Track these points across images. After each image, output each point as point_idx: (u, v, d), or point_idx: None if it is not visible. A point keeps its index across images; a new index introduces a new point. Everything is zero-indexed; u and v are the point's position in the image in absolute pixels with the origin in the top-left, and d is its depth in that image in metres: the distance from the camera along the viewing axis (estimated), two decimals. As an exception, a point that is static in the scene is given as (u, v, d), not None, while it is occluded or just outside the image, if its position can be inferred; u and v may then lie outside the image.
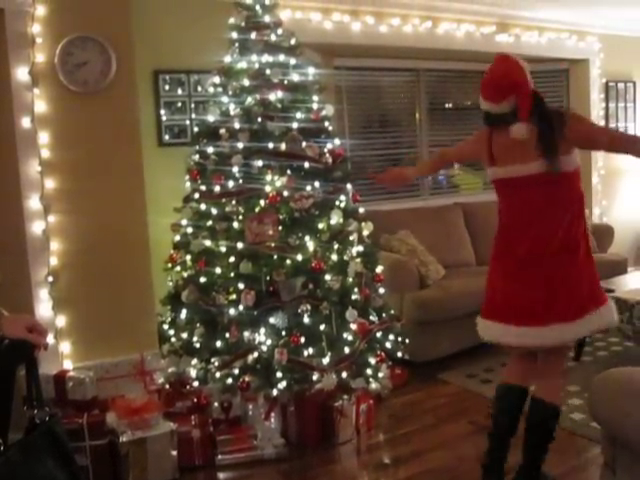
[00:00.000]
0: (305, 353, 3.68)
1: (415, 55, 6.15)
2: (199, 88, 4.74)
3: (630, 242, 7.60)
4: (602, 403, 2.28)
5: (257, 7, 4.05)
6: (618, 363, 2.41)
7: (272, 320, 3.69)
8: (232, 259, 3.76)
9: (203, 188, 3.93)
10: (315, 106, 4.07)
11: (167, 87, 4.69)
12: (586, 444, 3.60)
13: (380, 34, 5.58)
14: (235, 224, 3.81)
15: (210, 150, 3.95)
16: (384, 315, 4.12)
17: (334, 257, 3.88)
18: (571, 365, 4.89)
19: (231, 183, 3.83)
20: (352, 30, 5.43)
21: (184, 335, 3.91)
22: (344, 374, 3.77)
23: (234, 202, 3.85)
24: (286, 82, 4.00)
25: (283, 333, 3.69)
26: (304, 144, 3.90)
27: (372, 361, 3.94)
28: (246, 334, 3.67)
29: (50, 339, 3.77)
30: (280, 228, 3.79)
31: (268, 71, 3.97)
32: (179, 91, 4.73)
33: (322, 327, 3.73)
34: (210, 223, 3.88)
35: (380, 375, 4.02)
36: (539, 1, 5.85)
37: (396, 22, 5.65)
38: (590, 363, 4.89)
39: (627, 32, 7.25)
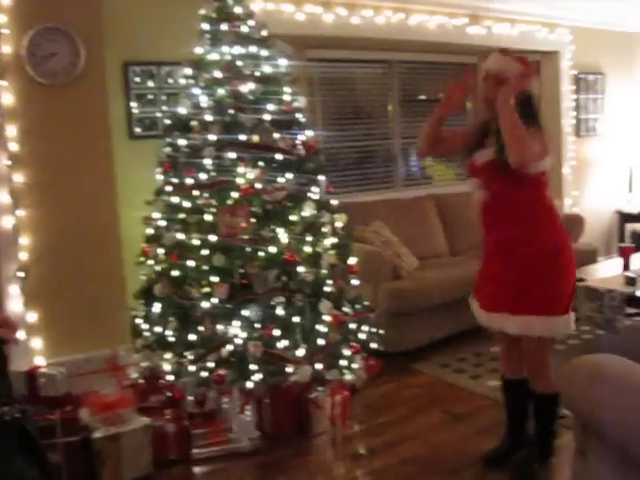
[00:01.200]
0: (279, 345, 3.67)
1: (388, 47, 6.14)
2: (170, 80, 4.71)
3: (600, 232, 7.69)
4: (571, 389, 2.30)
5: (228, -2, 4.03)
6: (589, 351, 2.42)
7: (246, 313, 3.67)
8: (205, 252, 3.74)
9: (175, 181, 3.90)
10: (287, 98, 4.05)
11: (138, 79, 4.64)
12: (559, 430, 3.63)
13: (352, 25, 5.56)
14: (208, 217, 3.78)
15: (182, 142, 3.91)
16: (358, 306, 4.13)
17: (307, 249, 3.86)
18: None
19: (203, 175, 3.81)
20: (324, 21, 5.41)
21: (157, 329, 3.87)
22: (318, 366, 3.77)
23: (206, 195, 3.82)
24: (258, 74, 3.97)
25: (257, 326, 3.68)
26: (276, 136, 3.88)
27: (346, 352, 3.94)
28: (220, 327, 3.66)
29: (21, 335, 3.74)
30: (253, 220, 3.77)
31: (240, 63, 3.94)
32: (150, 83, 4.69)
33: (296, 319, 3.72)
34: (182, 216, 3.85)
35: (354, 366, 4.02)
36: (510, -7, 5.89)
37: (368, 13, 5.64)
38: (562, 352, 4.91)
39: (597, 25, 7.31)
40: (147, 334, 3.96)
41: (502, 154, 2.96)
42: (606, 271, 5.17)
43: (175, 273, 3.79)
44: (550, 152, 3.08)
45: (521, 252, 3.06)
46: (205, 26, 4.05)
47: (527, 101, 3.08)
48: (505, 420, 3.41)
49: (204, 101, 3.93)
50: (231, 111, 3.85)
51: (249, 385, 3.63)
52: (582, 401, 2.24)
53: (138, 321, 4.06)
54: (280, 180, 3.82)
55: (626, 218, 7.69)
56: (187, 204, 3.83)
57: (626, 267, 5.07)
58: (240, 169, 3.78)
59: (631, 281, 4.58)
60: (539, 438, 3.30)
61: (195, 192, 3.83)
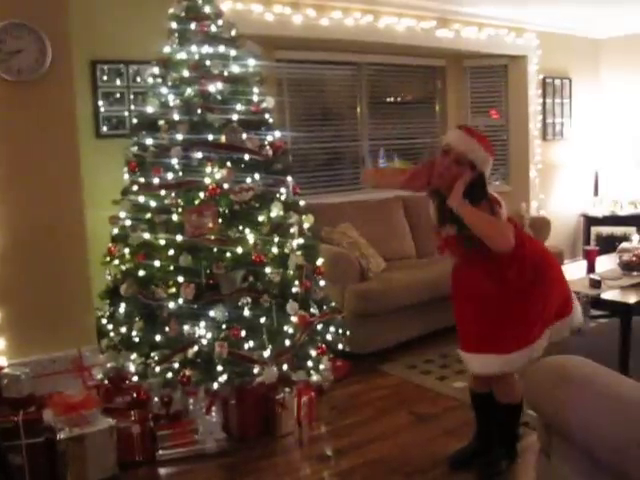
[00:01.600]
0: (246, 346, 3.67)
1: (356, 48, 6.16)
2: (138, 79, 4.67)
3: (566, 235, 7.79)
4: (536, 391, 2.32)
5: (197, -3, 4.01)
6: (555, 352, 2.45)
7: (212, 313, 3.66)
8: (171, 252, 3.72)
9: (142, 180, 3.87)
10: (255, 98, 4.05)
11: (105, 77, 4.61)
12: (524, 431, 3.66)
13: (321, 27, 5.57)
14: (174, 217, 3.77)
15: (149, 142, 3.89)
16: (325, 307, 4.13)
17: (274, 250, 3.86)
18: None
19: (170, 175, 3.78)
20: (293, 22, 5.41)
21: (123, 329, 3.85)
22: (285, 367, 3.77)
23: (173, 194, 3.80)
24: (226, 74, 3.96)
25: (223, 326, 3.66)
26: (244, 136, 3.87)
27: (313, 353, 3.95)
28: (186, 328, 3.64)
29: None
30: (220, 221, 3.76)
31: (208, 62, 3.92)
32: (117, 82, 4.65)
33: (263, 320, 3.71)
34: (149, 216, 3.82)
35: (321, 367, 4.02)
36: (478, -3, 5.94)
37: (337, 15, 5.65)
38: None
39: (564, 30, 7.42)
40: (112, 334, 3.93)
41: (462, 231, 3.03)
42: (571, 273, 5.22)
43: (141, 273, 3.77)
44: (503, 211, 3.10)
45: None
46: (174, 25, 4.03)
47: (479, 180, 3.06)
48: (475, 423, 3.47)
49: (172, 100, 3.92)
50: (199, 111, 3.84)
51: (215, 386, 3.62)
52: (546, 402, 2.26)
53: (103, 321, 4.03)
54: (248, 180, 3.82)
55: (591, 221, 7.79)
56: (154, 204, 3.81)
57: (591, 270, 5.13)
58: (207, 169, 3.76)
59: (596, 284, 4.63)
60: (503, 442, 3.36)
61: (162, 192, 3.80)
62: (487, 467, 3.31)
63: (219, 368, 3.60)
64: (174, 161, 3.77)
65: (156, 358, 3.68)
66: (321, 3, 5.56)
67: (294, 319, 3.82)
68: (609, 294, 4.58)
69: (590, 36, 7.82)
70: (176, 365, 3.64)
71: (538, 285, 3.09)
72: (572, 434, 2.12)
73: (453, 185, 3.01)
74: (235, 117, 3.88)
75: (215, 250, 3.71)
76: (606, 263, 5.29)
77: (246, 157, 3.88)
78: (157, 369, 3.66)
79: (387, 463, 3.47)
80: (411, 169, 3.39)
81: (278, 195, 3.97)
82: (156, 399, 3.72)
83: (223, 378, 3.61)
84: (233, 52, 4.04)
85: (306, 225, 4.15)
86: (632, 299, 4.48)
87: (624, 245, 5.28)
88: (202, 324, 3.65)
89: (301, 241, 4.05)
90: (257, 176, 3.87)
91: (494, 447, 3.36)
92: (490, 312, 3.10)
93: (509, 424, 3.35)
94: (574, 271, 5.30)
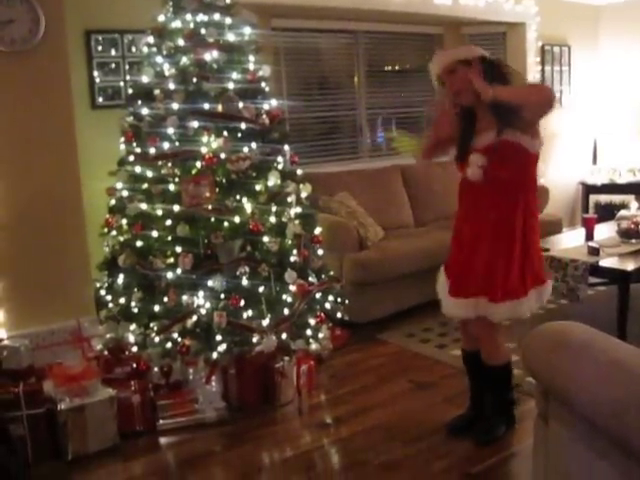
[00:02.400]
0: (244, 315, 3.68)
1: (353, 16, 6.08)
2: (133, 48, 4.63)
3: (565, 203, 7.78)
4: (534, 356, 2.32)
5: (191, -36, 3.96)
6: (553, 320, 2.45)
7: (210, 283, 3.66)
8: (169, 222, 3.71)
9: (138, 151, 3.86)
10: (252, 67, 4.02)
11: (100, 47, 4.57)
12: (523, 398, 3.68)
13: (317, -5, 5.50)
14: (171, 187, 3.75)
15: (145, 112, 3.87)
16: (323, 276, 4.13)
17: (272, 219, 3.85)
18: (507, 323, 4.99)
19: (167, 145, 3.76)
20: (289, -10, 5.34)
21: (122, 300, 3.85)
22: (284, 336, 3.78)
23: (170, 164, 3.79)
24: (222, 42, 3.92)
25: (222, 296, 3.67)
26: (240, 105, 3.84)
27: (312, 322, 3.96)
28: (184, 298, 3.64)
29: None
30: (217, 190, 3.74)
31: (203, 31, 3.88)
32: (112, 52, 4.61)
33: (261, 289, 3.72)
34: (146, 186, 3.81)
35: (320, 336, 4.04)
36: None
37: (334, -17, 5.58)
38: (526, 320, 4.97)
39: (563, -4, 7.35)
40: (111, 305, 3.93)
41: (503, 133, 2.97)
42: (570, 241, 5.23)
43: (139, 244, 3.76)
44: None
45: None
46: (167, -7, 3.99)
47: (488, 64, 3.06)
48: (469, 389, 3.49)
49: (167, 70, 3.88)
50: (195, 80, 3.81)
51: (214, 355, 3.63)
52: (544, 368, 2.26)
53: (102, 292, 4.03)
54: (244, 150, 3.80)
55: (590, 190, 7.77)
56: (150, 174, 3.80)
57: (589, 237, 5.13)
58: (204, 138, 3.74)
59: (594, 251, 4.64)
60: (498, 408, 3.38)
61: (158, 162, 3.79)
62: (485, 434, 3.33)
63: (218, 338, 3.61)
64: (170, 131, 3.75)
65: (155, 328, 3.69)
66: (317, -30, 5.48)
67: (292, 288, 3.82)
68: (607, 261, 4.59)
69: (589, 2, 7.74)
70: (175, 335, 3.65)
71: (527, 236, 3.11)
72: (570, 399, 2.12)
73: (467, 88, 3.00)
74: (231, 86, 3.85)
75: (213, 220, 3.70)
76: (604, 231, 5.29)
77: (243, 126, 3.85)
78: (156, 339, 3.67)
79: (386, 430, 3.49)
80: (432, 124, 3.38)
81: (275, 164, 3.96)
82: (156, 369, 3.73)
83: (222, 347, 3.62)
84: (228, 20, 3.99)
85: (304, 194, 4.13)
86: (630, 266, 4.49)
87: (622, 213, 5.28)
88: (201, 294, 3.65)
89: (299, 210, 4.04)
90: (254, 145, 3.84)
91: (490, 413, 3.38)
92: (486, 253, 3.09)
93: (500, 388, 3.36)
94: (573, 239, 5.31)
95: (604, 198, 7.82)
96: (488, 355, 3.27)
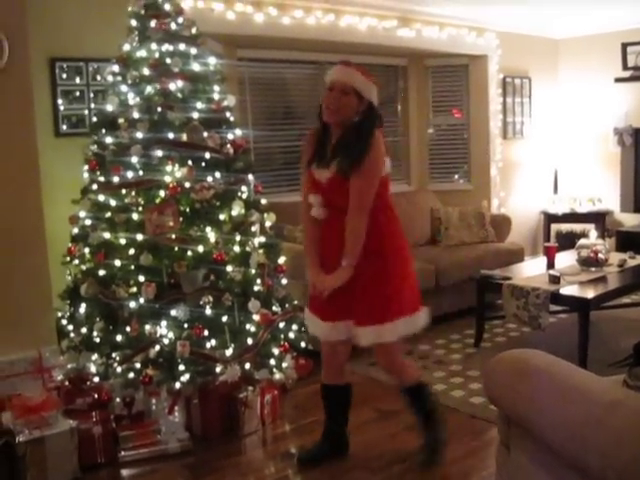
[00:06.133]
0: (208, 345, 3.66)
1: (318, 48, 6.16)
2: (98, 77, 4.61)
3: (527, 232, 7.89)
4: (495, 383, 2.36)
5: (157, -6, 3.99)
6: (515, 348, 2.49)
7: (174, 312, 3.64)
8: (132, 251, 3.70)
9: (102, 179, 3.84)
10: (216, 96, 4.04)
11: (64, 75, 4.55)
12: (485, 426, 3.72)
13: (283, 26, 5.56)
14: (135, 215, 3.74)
15: (109, 140, 3.86)
16: (287, 305, 4.14)
17: (236, 248, 3.85)
18: (471, 351, 5.05)
19: (130, 174, 3.76)
20: (255, 21, 5.39)
21: (83, 330, 3.81)
22: (248, 365, 3.77)
23: (133, 193, 3.78)
24: (187, 72, 3.94)
25: (185, 325, 3.65)
26: (205, 134, 3.86)
27: (276, 352, 3.95)
28: (147, 327, 3.61)
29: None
30: (181, 219, 3.74)
31: (168, 60, 3.91)
32: (77, 80, 4.59)
33: (225, 318, 3.71)
34: (109, 215, 3.80)
35: (284, 365, 4.04)
36: (439, -4, 5.98)
37: (299, 14, 5.64)
38: (489, 349, 5.04)
39: (523, 30, 7.50)
40: (73, 335, 3.89)
41: (344, 171, 3.08)
42: (531, 270, 5.31)
43: (102, 273, 3.74)
44: (382, 161, 3.16)
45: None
46: (133, 23, 4.02)
47: (368, 111, 3.15)
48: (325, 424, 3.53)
49: (132, 99, 3.90)
50: (159, 109, 3.82)
51: (177, 385, 3.60)
52: (505, 395, 2.29)
53: (64, 322, 3.99)
54: (209, 179, 3.81)
55: (551, 219, 7.90)
56: (114, 203, 3.79)
57: (550, 266, 5.22)
58: (168, 167, 3.75)
59: (555, 279, 4.71)
60: (426, 428, 3.41)
61: (122, 190, 3.78)
62: (429, 458, 3.37)
63: (181, 367, 3.58)
64: (134, 160, 3.74)
65: (117, 358, 3.66)
66: (282, 2, 5.55)
67: (256, 317, 3.81)
68: (568, 289, 4.67)
69: (549, 36, 7.92)
70: (138, 365, 3.62)
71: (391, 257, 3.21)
72: (530, 425, 2.15)
73: (343, 114, 3.10)
74: (196, 115, 3.87)
75: (176, 249, 3.69)
76: (565, 259, 5.38)
77: (207, 155, 3.86)
78: (119, 369, 3.63)
79: (351, 459, 3.48)
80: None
81: (239, 194, 3.97)
82: (118, 400, 3.70)
83: (185, 377, 3.59)
84: (194, 50, 4.03)
85: (268, 223, 4.15)
86: (590, 294, 4.57)
87: (582, 242, 5.37)
88: (164, 323, 3.63)
89: (263, 239, 4.05)
90: (218, 175, 3.86)
91: (426, 437, 3.41)
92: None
93: (421, 408, 3.41)
94: (534, 267, 5.39)
95: (565, 227, 7.95)
96: (400, 380, 3.38)
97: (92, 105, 4.60)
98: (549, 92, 8.07)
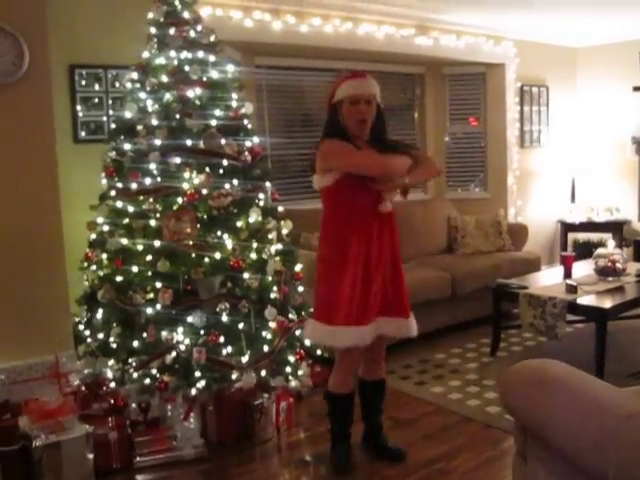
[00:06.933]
0: (224, 352, 3.67)
1: (336, 55, 6.17)
2: (117, 84, 4.65)
3: (543, 241, 7.85)
4: (511, 393, 2.34)
5: (176, 2, 4.02)
6: (531, 357, 2.48)
7: (190, 319, 3.65)
8: (149, 257, 3.71)
9: (120, 185, 3.86)
10: (234, 104, 4.06)
11: (83, 82, 4.58)
12: (501, 436, 3.69)
13: (301, 34, 5.58)
14: (152, 222, 3.76)
15: (127, 147, 3.88)
16: (303, 313, 4.13)
17: (253, 255, 3.86)
18: (487, 360, 5.02)
19: (148, 180, 3.78)
20: (273, 29, 5.42)
21: (100, 335, 3.83)
22: (263, 372, 3.78)
23: (151, 200, 3.80)
24: (205, 79, 3.96)
25: (201, 332, 3.66)
26: (223, 141, 3.88)
27: (292, 359, 3.95)
28: (164, 333, 3.63)
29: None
30: (198, 226, 3.75)
31: (187, 67, 3.93)
32: (96, 86, 4.62)
33: (241, 325, 3.72)
34: (127, 221, 3.82)
35: (300, 373, 4.04)
36: (457, 5, 5.96)
37: (317, 22, 5.66)
38: (505, 358, 5.02)
39: (541, 38, 7.48)
40: (90, 340, 3.91)
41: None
42: (548, 279, 5.28)
43: (119, 279, 3.75)
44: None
45: None
46: (153, 30, 4.04)
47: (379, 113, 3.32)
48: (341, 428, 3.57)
49: (150, 105, 3.92)
50: (177, 116, 3.84)
51: (193, 392, 3.61)
52: (522, 405, 2.28)
53: (81, 327, 4.02)
54: (226, 186, 3.82)
55: (568, 228, 7.85)
56: (132, 209, 3.81)
57: (567, 275, 5.19)
58: (186, 174, 3.77)
59: (572, 289, 4.68)
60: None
61: (140, 197, 3.80)
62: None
63: (197, 374, 3.59)
64: (152, 166, 3.77)
65: (134, 364, 3.67)
66: (300, 10, 5.57)
67: (272, 325, 3.82)
68: (585, 299, 4.64)
69: (566, 45, 7.90)
70: (154, 371, 3.63)
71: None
72: (547, 436, 2.13)
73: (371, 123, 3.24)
74: (214, 122, 3.89)
75: (193, 255, 3.71)
76: (582, 269, 5.35)
77: (224, 163, 3.88)
78: (135, 375, 3.65)
79: (366, 468, 3.47)
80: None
81: (256, 201, 3.98)
82: (134, 405, 3.71)
83: (201, 384, 3.60)
84: (212, 58, 4.04)
85: (285, 231, 4.15)
86: (607, 304, 4.54)
87: (600, 251, 5.33)
88: (180, 330, 3.64)
89: (279, 247, 4.06)
90: (235, 182, 3.87)
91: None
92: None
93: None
94: (551, 277, 5.35)
95: (582, 236, 7.91)
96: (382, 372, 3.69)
97: (111, 112, 4.63)
98: (567, 100, 8.04)
